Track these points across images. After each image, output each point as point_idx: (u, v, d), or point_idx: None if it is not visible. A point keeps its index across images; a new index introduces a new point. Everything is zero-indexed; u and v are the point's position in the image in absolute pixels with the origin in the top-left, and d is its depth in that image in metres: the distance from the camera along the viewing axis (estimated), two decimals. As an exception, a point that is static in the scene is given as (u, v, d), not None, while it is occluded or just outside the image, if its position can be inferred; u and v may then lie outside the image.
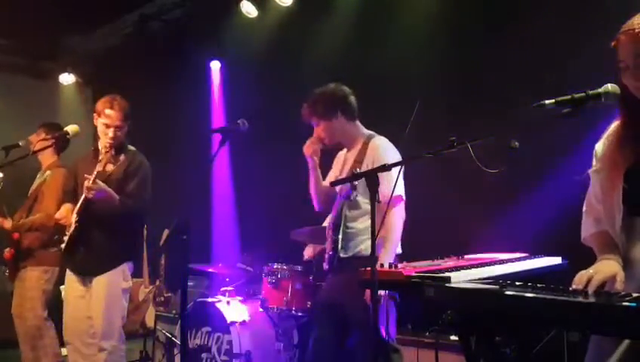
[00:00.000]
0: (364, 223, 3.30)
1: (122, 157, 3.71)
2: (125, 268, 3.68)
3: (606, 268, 1.86)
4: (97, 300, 3.58)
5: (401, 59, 5.33)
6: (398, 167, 2.85)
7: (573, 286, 1.80)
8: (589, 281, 1.79)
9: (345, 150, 3.57)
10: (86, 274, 3.65)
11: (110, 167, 3.65)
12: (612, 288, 1.82)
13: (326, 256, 3.44)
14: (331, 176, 3.62)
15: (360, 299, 3.16)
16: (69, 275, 3.73)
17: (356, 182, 3.17)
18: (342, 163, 3.55)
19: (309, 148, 3.41)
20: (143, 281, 5.47)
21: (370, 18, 5.56)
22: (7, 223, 4.38)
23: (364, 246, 3.30)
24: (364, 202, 3.28)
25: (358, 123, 3.48)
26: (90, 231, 3.63)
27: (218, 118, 7.49)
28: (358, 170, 3.16)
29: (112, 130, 3.66)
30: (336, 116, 3.37)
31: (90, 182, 3.42)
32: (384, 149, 3.31)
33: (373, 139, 3.38)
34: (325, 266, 3.45)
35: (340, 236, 3.29)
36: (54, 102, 7.81)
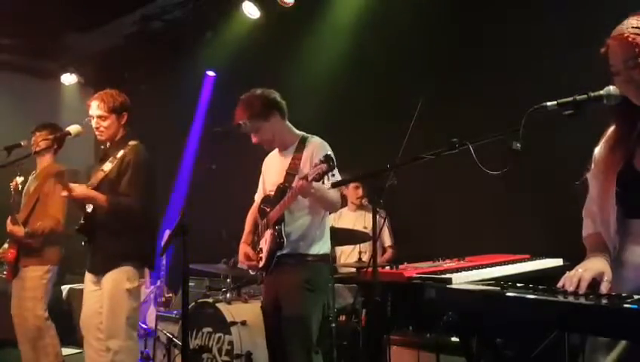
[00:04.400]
0: (304, 219, 3.36)
1: (120, 153, 3.64)
2: (130, 268, 3.61)
3: (593, 265, 1.87)
4: (103, 299, 3.60)
5: (399, 60, 5.33)
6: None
7: (569, 289, 1.79)
8: (579, 282, 1.79)
9: (275, 151, 3.59)
10: (94, 272, 3.69)
11: (108, 166, 3.63)
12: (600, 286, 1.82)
13: (263, 254, 3.41)
14: (269, 180, 3.58)
15: (297, 300, 3.23)
16: (86, 272, 3.76)
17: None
18: (277, 163, 3.54)
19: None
20: (143, 282, 5.48)
21: (369, 19, 5.56)
22: (21, 231, 4.32)
23: (304, 244, 3.34)
24: (305, 199, 3.31)
25: (289, 123, 3.53)
26: (94, 230, 3.65)
27: (217, 118, 7.48)
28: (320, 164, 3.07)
29: (94, 120, 3.71)
30: (274, 115, 3.43)
31: (64, 193, 3.47)
32: (322, 145, 3.40)
33: (310, 138, 3.46)
34: (261, 264, 3.42)
35: (284, 232, 3.31)
36: (56, 102, 7.81)
